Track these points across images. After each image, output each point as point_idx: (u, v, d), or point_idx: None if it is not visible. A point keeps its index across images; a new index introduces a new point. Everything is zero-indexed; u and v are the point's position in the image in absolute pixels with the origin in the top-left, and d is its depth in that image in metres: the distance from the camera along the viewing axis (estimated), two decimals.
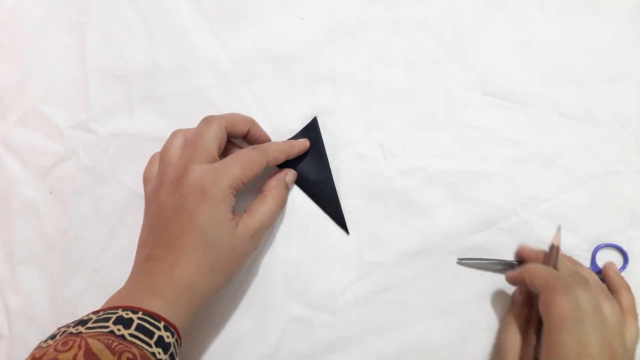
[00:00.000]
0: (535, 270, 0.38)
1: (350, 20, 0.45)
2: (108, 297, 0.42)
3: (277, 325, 0.43)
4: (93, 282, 0.43)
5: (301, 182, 0.44)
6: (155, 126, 0.44)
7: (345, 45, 0.45)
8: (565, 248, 0.43)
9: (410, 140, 0.44)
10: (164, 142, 0.44)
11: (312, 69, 0.45)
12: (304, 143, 0.43)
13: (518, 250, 0.42)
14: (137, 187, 0.44)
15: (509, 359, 0.38)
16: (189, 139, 0.40)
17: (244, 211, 0.40)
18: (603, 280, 0.41)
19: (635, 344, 0.38)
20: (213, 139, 0.39)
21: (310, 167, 0.43)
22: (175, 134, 0.41)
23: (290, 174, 0.43)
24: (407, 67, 0.45)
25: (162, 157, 0.40)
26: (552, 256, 0.40)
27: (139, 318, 0.33)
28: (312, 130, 0.44)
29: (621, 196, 0.44)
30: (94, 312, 0.34)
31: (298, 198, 0.44)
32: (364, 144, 0.44)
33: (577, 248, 0.43)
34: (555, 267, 0.39)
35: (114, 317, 0.33)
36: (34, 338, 0.43)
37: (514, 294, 0.42)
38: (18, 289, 0.44)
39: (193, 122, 0.44)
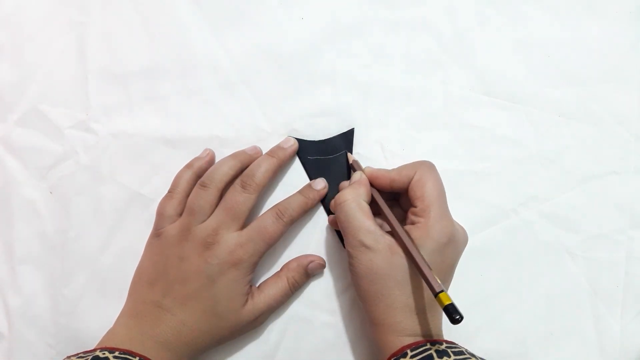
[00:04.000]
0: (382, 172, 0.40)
1: (350, 20, 0.45)
2: (108, 297, 0.42)
3: (277, 325, 0.43)
4: (93, 282, 0.43)
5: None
6: (155, 126, 0.44)
7: (345, 45, 0.45)
8: (565, 248, 0.44)
9: (410, 140, 0.44)
10: (163, 142, 0.44)
11: (312, 69, 0.45)
12: (321, 192, 0.42)
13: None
14: (137, 187, 0.44)
15: (364, 220, 0.37)
16: (226, 202, 0.40)
17: (257, 287, 0.41)
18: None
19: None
20: (248, 209, 0.40)
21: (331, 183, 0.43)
22: (206, 183, 0.40)
23: (314, 264, 0.42)
24: (407, 67, 0.45)
25: (190, 206, 0.40)
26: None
27: (114, 357, 0.34)
28: (346, 141, 0.44)
29: (621, 196, 0.44)
30: (75, 355, 0.35)
31: None
32: (364, 144, 0.44)
33: (577, 248, 0.44)
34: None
35: (89, 357, 0.34)
36: (34, 338, 0.43)
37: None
38: (18, 289, 0.44)
39: (193, 122, 0.44)
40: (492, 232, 0.44)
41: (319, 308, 0.43)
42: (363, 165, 0.43)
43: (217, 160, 0.44)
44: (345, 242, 0.38)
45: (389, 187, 0.40)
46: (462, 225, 0.39)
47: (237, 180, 0.41)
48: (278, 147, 0.43)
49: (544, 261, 0.44)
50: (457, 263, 0.38)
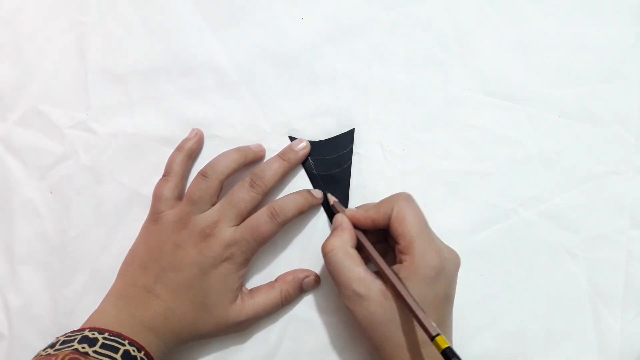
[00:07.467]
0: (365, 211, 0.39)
1: (350, 20, 0.45)
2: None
3: (277, 325, 0.43)
4: (93, 282, 0.43)
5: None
6: (155, 126, 0.44)
7: (345, 45, 0.45)
8: (565, 248, 0.44)
9: (410, 140, 0.44)
10: (163, 142, 0.44)
11: (312, 68, 0.45)
12: (319, 200, 0.42)
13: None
14: (137, 187, 0.44)
15: (356, 272, 0.36)
16: (232, 197, 0.40)
17: (249, 291, 0.41)
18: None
19: None
20: (252, 208, 0.40)
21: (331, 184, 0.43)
22: (208, 173, 0.40)
23: (309, 279, 0.42)
24: (407, 67, 0.45)
25: (191, 196, 0.40)
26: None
27: (104, 338, 0.35)
28: (346, 141, 0.44)
29: (621, 196, 0.44)
30: (64, 334, 0.36)
31: None
32: (364, 144, 0.44)
33: (577, 248, 0.44)
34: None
35: (78, 337, 0.35)
36: (34, 338, 0.43)
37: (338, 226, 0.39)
38: (18, 289, 0.44)
39: (193, 122, 0.44)
40: (492, 232, 0.44)
41: (319, 308, 0.43)
42: (363, 166, 0.43)
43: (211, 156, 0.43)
44: (340, 294, 0.37)
45: (372, 227, 0.39)
46: (452, 248, 0.38)
47: (247, 178, 0.40)
48: (290, 149, 0.42)
49: (544, 261, 0.44)
50: (454, 289, 0.38)
